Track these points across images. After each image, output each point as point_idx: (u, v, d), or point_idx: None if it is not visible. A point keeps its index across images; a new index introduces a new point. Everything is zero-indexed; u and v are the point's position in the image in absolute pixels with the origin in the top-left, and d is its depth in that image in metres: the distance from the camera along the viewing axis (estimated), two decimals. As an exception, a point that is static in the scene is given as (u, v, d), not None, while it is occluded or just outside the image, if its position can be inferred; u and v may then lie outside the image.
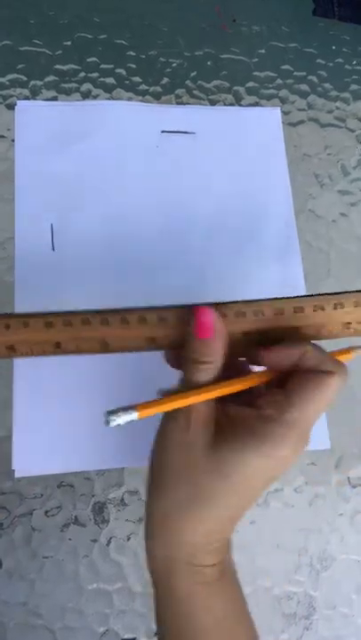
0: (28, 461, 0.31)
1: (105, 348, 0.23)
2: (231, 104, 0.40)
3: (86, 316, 0.23)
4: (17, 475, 0.31)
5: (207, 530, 0.22)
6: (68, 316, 0.23)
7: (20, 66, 0.37)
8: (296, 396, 0.22)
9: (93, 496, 0.32)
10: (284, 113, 0.40)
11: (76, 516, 0.32)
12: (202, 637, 0.22)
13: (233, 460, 0.21)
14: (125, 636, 0.31)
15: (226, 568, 0.23)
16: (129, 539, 0.32)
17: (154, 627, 0.31)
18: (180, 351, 0.23)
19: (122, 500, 0.32)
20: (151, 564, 0.23)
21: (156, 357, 0.34)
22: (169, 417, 0.23)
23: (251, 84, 0.40)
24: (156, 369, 0.33)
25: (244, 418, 0.22)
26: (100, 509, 0.32)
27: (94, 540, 0.32)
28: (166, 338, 0.24)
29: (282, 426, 0.21)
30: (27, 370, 0.32)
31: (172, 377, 0.33)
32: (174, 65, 0.40)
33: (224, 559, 0.23)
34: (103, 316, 0.23)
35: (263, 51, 0.41)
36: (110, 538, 0.32)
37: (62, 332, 0.23)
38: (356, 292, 0.24)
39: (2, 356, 0.23)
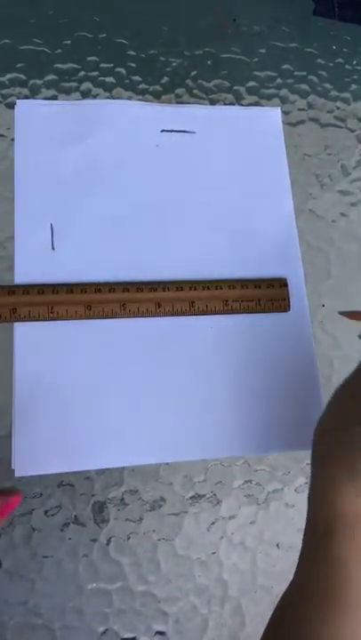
0: (28, 461, 0.31)
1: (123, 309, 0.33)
2: (231, 103, 0.40)
3: (112, 286, 0.33)
4: (17, 474, 0.31)
5: None
6: (98, 286, 0.33)
7: (19, 65, 0.37)
8: None
9: (93, 495, 0.32)
10: (285, 113, 0.40)
11: (75, 516, 0.32)
12: (338, 604, 0.23)
13: None
14: (125, 636, 0.31)
15: None
16: (129, 538, 0.32)
17: (154, 626, 0.31)
18: None
19: (122, 499, 0.32)
20: (309, 531, 0.25)
21: (156, 358, 0.34)
22: (350, 402, 0.26)
23: (251, 83, 0.40)
24: (156, 369, 0.33)
25: None
26: (99, 509, 0.32)
27: (94, 540, 0.32)
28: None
29: None
30: (27, 369, 0.32)
31: (172, 378, 0.33)
32: (174, 64, 0.39)
33: None
34: (124, 286, 0.33)
35: (263, 50, 0.41)
36: (110, 537, 0.32)
37: (93, 296, 0.33)
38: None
39: (44, 317, 0.32)
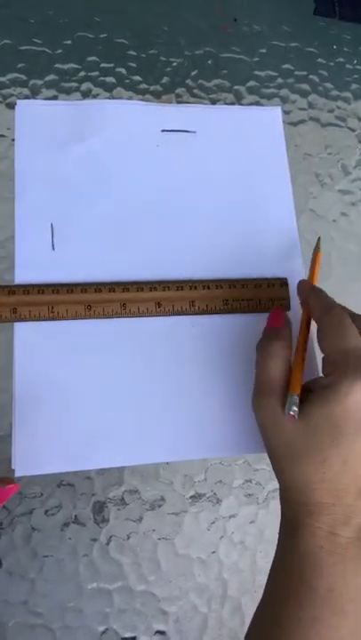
0: (28, 461, 0.31)
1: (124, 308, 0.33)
2: (232, 103, 0.39)
3: (112, 286, 0.33)
4: (17, 474, 0.31)
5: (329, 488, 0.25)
6: (98, 286, 0.33)
7: (19, 65, 0.37)
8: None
9: (93, 495, 0.32)
10: (285, 112, 0.40)
11: (75, 516, 0.32)
12: (310, 596, 0.24)
13: (315, 413, 0.25)
14: (125, 635, 0.31)
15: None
16: (129, 538, 0.32)
17: (154, 626, 0.31)
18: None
19: (122, 499, 0.32)
20: (281, 526, 0.27)
21: (157, 358, 0.34)
22: (261, 404, 0.28)
23: (251, 83, 0.40)
24: (156, 369, 0.33)
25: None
26: (99, 508, 0.32)
27: (94, 540, 0.32)
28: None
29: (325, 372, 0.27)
30: (27, 369, 0.32)
31: (172, 378, 0.33)
32: (175, 64, 0.39)
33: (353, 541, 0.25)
34: (124, 285, 0.33)
35: (264, 50, 0.41)
36: (110, 537, 0.32)
37: (93, 296, 0.33)
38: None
39: (44, 316, 0.32)
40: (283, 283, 0.36)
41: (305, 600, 0.24)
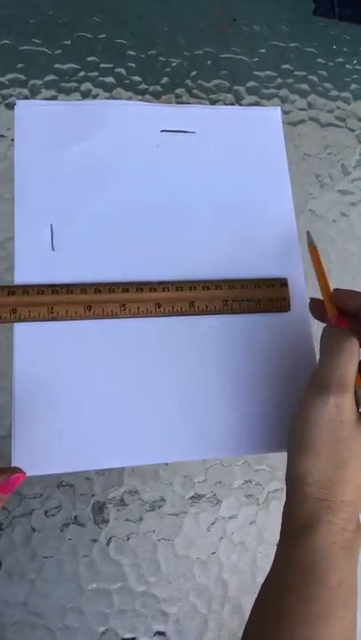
0: (28, 461, 0.31)
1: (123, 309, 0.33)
2: (231, 103, 0.39)
3: (112, 286, 0.33)
4: (17, 475, 0.31)
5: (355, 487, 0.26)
6: (98, 286, 0.33)
7: (19, 65, 0.37)
8: None
9: (93, 496, 0.32)
10: (285, 112, 0.40)
11: (75, 516, 0.32)
12: (321, 592, 0.24)
13: None
14: (125, 636, 0.31)
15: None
16: (129, 538, 0.32)
17: (154, 627, 0.31)
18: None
19: (122, 499, 0.32)
20: (290, 521, 0.27)
21: (156, 358, 0.34)
22: (317, 393, 0.28)
23: (251, 83, 0.40)
24: (156, 369, 0.33)
25: None
26: (99, 509, 0.32)
27: (94, 540, 0.32)
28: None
29: None
30: (27, 369, 0.32)
31: (172, 378, 0.33)
32: (174, 64, 0.39)
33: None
34: (124, 286, 0.33)
35: (263, 50, 0.41)
36: (110, 537, 0.32)
37: (93, 296, 0.33)
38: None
39: (44, 317, 0.32)
40: (282, 283, 0.36)
41: (316, 594, 0.24)
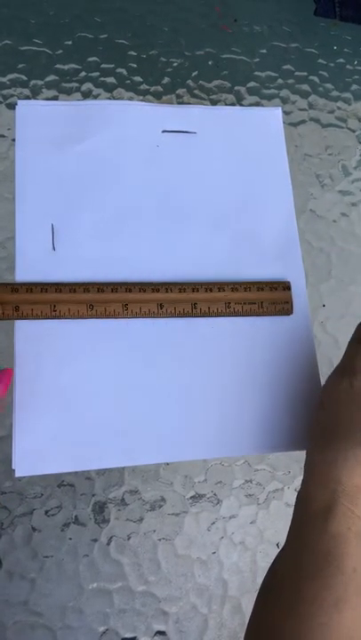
0: (28, 461, 0.31)
1: (126, 309, 0.33)
2: (232, 104, 0.40)
3: (115, 286, 0.33)
4: (17, 474, 0.31)
5: None
6: (101, 285, 0.33)
7: (20, 65, 0.37)
8: None
9: (94, 495, 0.32)
10: (285, 113, 0.40)
11: (76, 516, 0.32)
12: (337, 578, 0.24)
13: None
14: (125, 636, 0.31)
15: None
16: (129, 538, 0.32)
17: (154, 626, 0.32)
18: None
19: (122, 499, 0.32)
20: (307, 506, 0.27)
21: (157, 358, 0.34)
22: (339, 380, 0.29)
23: (252, 83, 0.40)
24: (157, 370, 0.33)
25: None
26: (100, 509, 0.32)
27: (95, 540, 0.32)
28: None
29: None
30: (27, 369, 0.32)
31: (173, 379, 0.33)
32: (175, 65, 0.40)
33: None
34: (127, 286, 0.34)
35: (264, 51, 0.41)
36: (111, 537, 0.32)
37: (95, 295, 0.33)
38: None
39: (46, 315, 0.32)
40: (285, 286, 0.35)
41: (331, 580, 0.24)
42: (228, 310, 0.34)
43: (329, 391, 0.29)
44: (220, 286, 0.34)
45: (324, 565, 0.25)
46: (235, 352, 0.34)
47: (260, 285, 0.35)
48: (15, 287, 0.32)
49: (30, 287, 0.33)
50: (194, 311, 0.34)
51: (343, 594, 0.24)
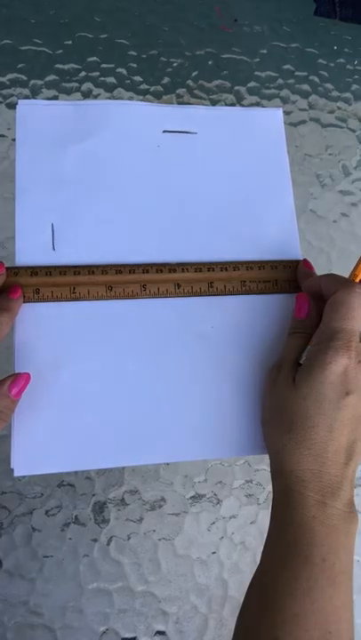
0: (28, 461, 0.31)
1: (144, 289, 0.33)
2: (232, 104, 0.40)
3: (132, 267, 0.34)
4: (16, 474, 0.31)
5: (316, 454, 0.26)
6: (119, 267, 0.34)
7: (20, 65, 0.37)
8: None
9: (94, 495, 0.32)
10: (286, 113, 0.40)
11: (76, 516, 0.32)
12: (306, 567, 0.24)
13: (303, 381, 0.27)
14: (125, 636, 0.31)
15: (344, 527, 0.26)
16: (129, 538, 0.32)
17: (154, 626, 0.32)
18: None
19: (122, 499, 0.32)
20: (274, 497, 0.27)
21: (156, 358, 0.34)
22: (276, 371, 0.30)
23: (252, 83, 0.40)
24: (156, 370, 0.33)
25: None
26: (100, 509, 0.32)
27: (95, 540, 0.32)
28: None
29: (315, 343, 0.28)
30: (27, 369, 0.32)
31: (173, 378, 0.33)
32: (175, 64, 0.39)
33: (343, 514, 0.26)
34: (144, 267, 0.34)
35: (265, 51, 0.41)
36: (111, 537, 0.32)
37: (114, 277, 0.33)
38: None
39: (66, 297, 0.33)
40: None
41: (301, 570, 0.24)
42: (244, 289, 0.35)
43: (269, 382, 0.30)
44: (236, 265, 0.35)
45: (293, 555, 0.25)
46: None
47: (273, 264, 0.35)
48: (35, 270, 0.33)
49: (49, 270, 0.33)
50: (210, 290, 0.34)
51: (314, 584, 0.24)
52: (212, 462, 0.34)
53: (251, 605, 0.26)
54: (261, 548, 0.33)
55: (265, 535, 0.34)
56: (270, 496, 0.34)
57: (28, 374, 0.30)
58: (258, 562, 0.33)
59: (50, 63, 0.38)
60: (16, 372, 0.32)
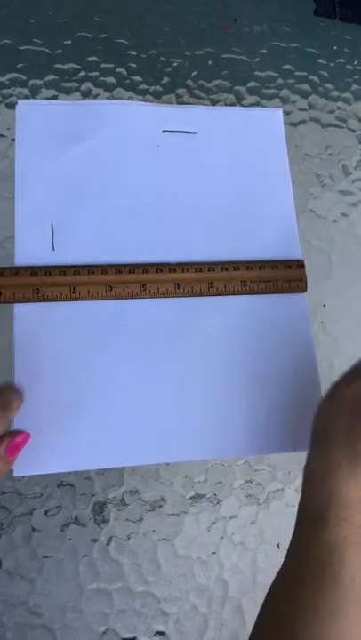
0: (28, 461, 0.31)
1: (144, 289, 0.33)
2: (232, 104, 0.40)
3: (132, 267, 0.34)
4: (16, 474, 0.31)
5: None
6: (118, 267, 0.34)
7: (19, 65, 0.37)
8: None
9: (93, 496, 0.32)
10: (286, 113, 0.40)
11: (76, 516, 0.32)
12: (334, 587, 0.24)
13: None
14: (125, 636, 0.31)
15: None
16: (129, 538, 0.32)
17: (154, 626, 0.31)
18: None
19: (122, 499, 0.32)
20: (304, 512, 0.27)
21: (156, 358, 0.34)
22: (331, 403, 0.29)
23: (252, 83, 0.40)
24: (156, 370, 0.33)
25: None
26: (100, 509, 0.32)
27: (94, 540, 0.32)
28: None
29: None
30: (26, 369, 0.32)
31: (173, 378, 0.33)
32: (175, 64, 0.39)
33: None
34: (144, 267, 0.34)
35: (264, 50, 0.41)
36: (110, 537, 0.32)
37: (114, 277, 0.33)
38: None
39: (66, 297, 0.33)
40: (300, 264, 0.36)
41: (327, 590, 0.24)
42: (244, 289, 0.35)
43: (335, 398, 0.29)
44: (236, 265, 0.35)
45: (319, 574, 0.24)
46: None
47: (274, 264, 0.35)
48: (35, 270, 0.33)
49: (49, 270, 0.33)
50: (210, 290, 0.34)
51: (340, 603, 0.24)
52: (212, 462, 0.34)
53: (269, 617, 0.26)
54: (261, 547, 0.33)
55: (265, 535, 0.34)
56: (270, 496, 0.34)
57: (28, 434, 0.29)
58: (258, 562, 0.33)
59: (49, 63, 0.38)
60: (16, 372, 0.32)
